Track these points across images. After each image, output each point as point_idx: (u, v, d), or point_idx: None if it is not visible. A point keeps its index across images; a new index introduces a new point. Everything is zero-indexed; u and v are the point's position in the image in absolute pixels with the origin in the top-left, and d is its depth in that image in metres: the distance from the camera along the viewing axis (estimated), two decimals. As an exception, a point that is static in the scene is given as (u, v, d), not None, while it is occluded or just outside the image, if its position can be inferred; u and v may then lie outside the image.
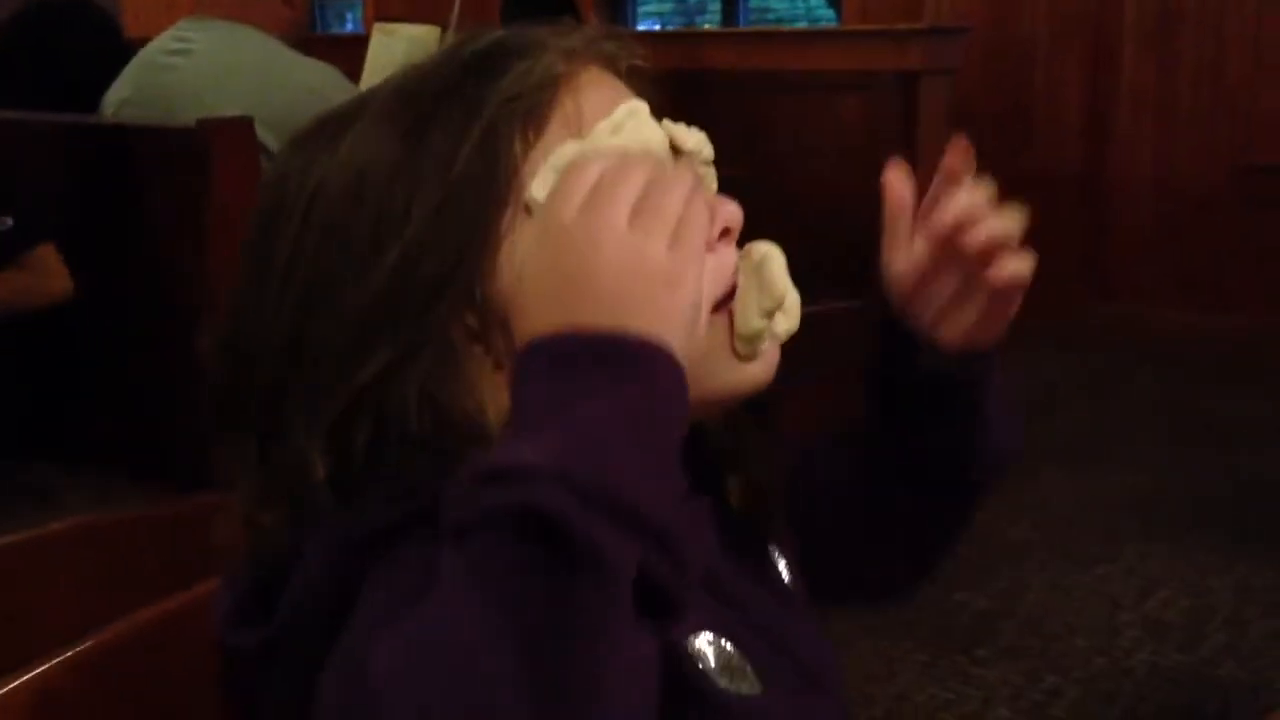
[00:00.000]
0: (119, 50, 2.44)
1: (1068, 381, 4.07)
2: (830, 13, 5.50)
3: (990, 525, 2.74)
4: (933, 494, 0.79)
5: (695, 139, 0.67)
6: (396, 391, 0.59)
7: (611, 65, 0.67)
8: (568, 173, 0.56)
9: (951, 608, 2.42)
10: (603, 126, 0.62)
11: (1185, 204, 4.30)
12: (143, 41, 2.28)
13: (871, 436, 0.79)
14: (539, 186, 0.60)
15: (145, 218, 1.82)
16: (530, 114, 0.62)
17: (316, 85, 2.06)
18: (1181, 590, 2.53)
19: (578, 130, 0.62)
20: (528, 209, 0.61)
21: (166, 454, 1.79)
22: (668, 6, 6.17)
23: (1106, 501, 2.99)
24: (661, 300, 0.53)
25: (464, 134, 0.61)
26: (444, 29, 3.15)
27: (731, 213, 0.65)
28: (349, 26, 7.09)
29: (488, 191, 0.60)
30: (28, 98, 2.30)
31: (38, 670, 0.71)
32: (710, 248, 0.62)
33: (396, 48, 3.23)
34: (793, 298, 0.68)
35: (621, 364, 0.51)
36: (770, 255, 0.67)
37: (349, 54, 2.81)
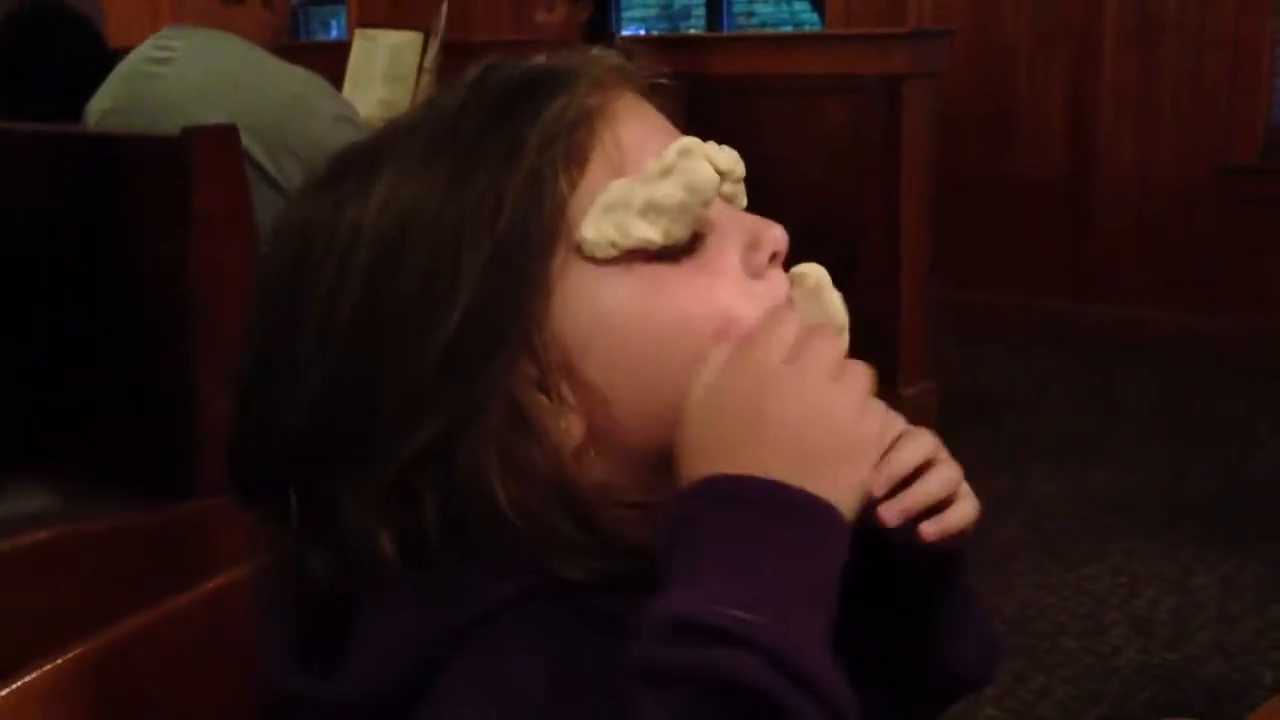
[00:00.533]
0: (102, 59, 2.43)
1: (1053, 382, 4.08)
2: (814, 17, 5.51)
3: (978, 526, 2.74)
4: (898, 695, 0.73)
5: (728, 158, 0.65)
6: (464, 452, 0.57)
7: (639, 88, 0.65)
8: (771, 316, 0.58)
9: (939, 609, 2.42)
10: (653, 168, 0.60)
11: (1168, 205, 4.33)
12: (126, 51, 2.27)
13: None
14: (590, 227, 0.59)
15: (128, 226, 1.81)
16: (571, 154, 0.59)
17: (300, 91, 2.06)
18: (1168, 588, 2.54)
19: (619, 164, 0.60)
20: (579, 250, 0.59)
21: (147, 461, 1.79)
22: (652, 12, 6.18)
23: (1093, 501, 3.00)
24: (846, 468, 0.54)
25: (507, 180, 0.58)
26: (427, 35, 3.16)
27: (777, 237, 0.63)
28: (333, 34, 7.09)
29: (539, 238, 0.58)
30: (9, 107, 2.29)
31: (27, 677, 0.71)
32: (758, 274, 0.62)
33: (379, 54, 3.24)
34: (842, 322, 0.65)
35: (810, 525, 0.52)
36: (824, 280, 0.65)
37: (332, 60, 2.83)
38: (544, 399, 0.58)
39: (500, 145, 0.59)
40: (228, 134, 1.72)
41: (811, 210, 3.51)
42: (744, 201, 0.66)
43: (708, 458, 0.54)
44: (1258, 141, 4.17)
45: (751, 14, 5.74)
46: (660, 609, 0.50)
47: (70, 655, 0.73)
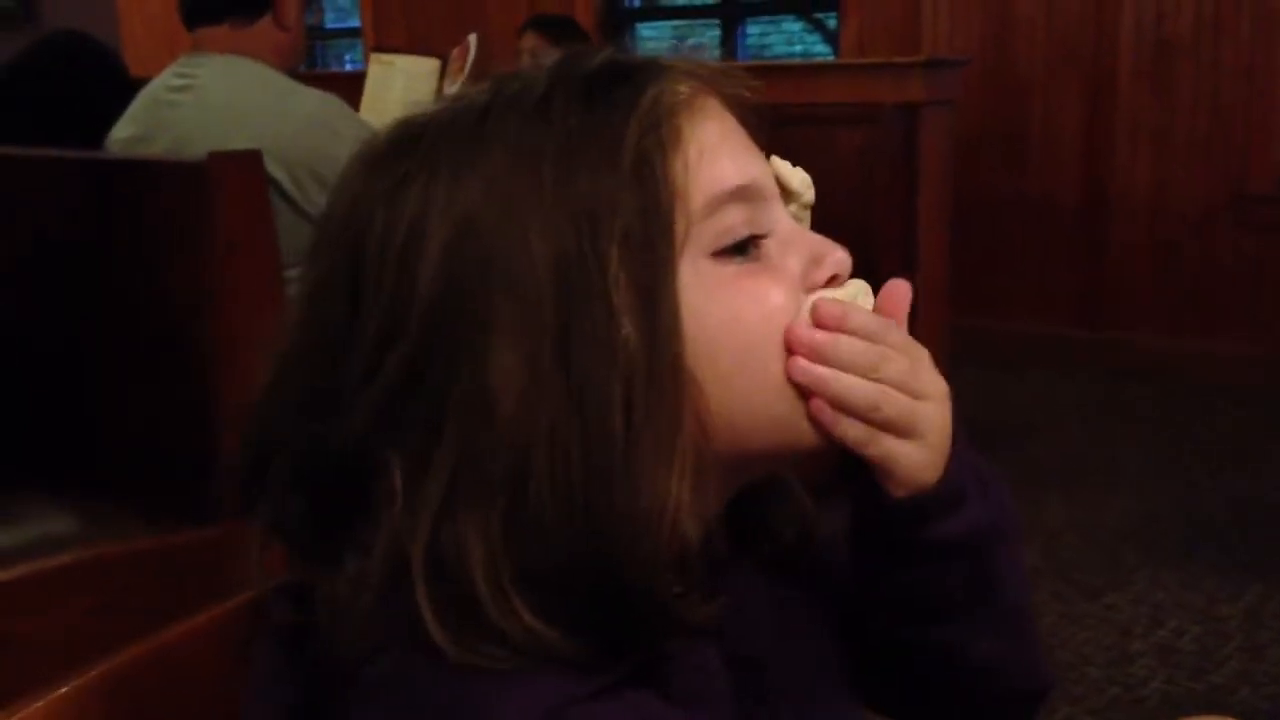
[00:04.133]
0: (123, 88, 2.45)
1: (1066, 406, 4.07)
2: (827, 49, 5.53)
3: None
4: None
5: (800, 179, 0.66)
6: (561, 485, 0.53)
7: (721, 93, 0.63)
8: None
9: (961, 637, 2.40)
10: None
11: (1183, 231, 4.32)
12: (146, 80, 2.29)
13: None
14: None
15: (151, 252, 1.81)
16: (671, 142, 0.58)
17: (320, 114, 2.07)
18: (1192, 617, 2.51)
19: (702, 158, 0.59)
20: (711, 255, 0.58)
21: (168, 485, 1.78)
22: (666, 44, 6.21)
23: (1109, 528, 2.98)
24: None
25: (615, 174, 0.56)
26: (444, 63, 3.17)
27: (841, 259, 0.63)
28: (347, 67, 7.14)
29: (660, 229, 0.56)
30: (32, 136, 2.30)
31: (45, 697, 0.70)
32: (813, 290, 0.62)
33: (394, 80, 3.25)
34: None
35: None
36: (861, 291, 0.64)
37: (348, 89, 2.83)
38: (642, 417, 0.55)
39: (601, 134, 0.57)
40: (251, 159, 1.72)
41: (833, 238, 3.50)
42: (808, 227, 0.66)
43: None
44: (1274, 169, 4.16)
45: (764, 47, 5.77)
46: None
47: (83, 678, 0.72)
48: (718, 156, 0.60)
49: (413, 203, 0.56)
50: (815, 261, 0.62)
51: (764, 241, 0.61)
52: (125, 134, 2.15)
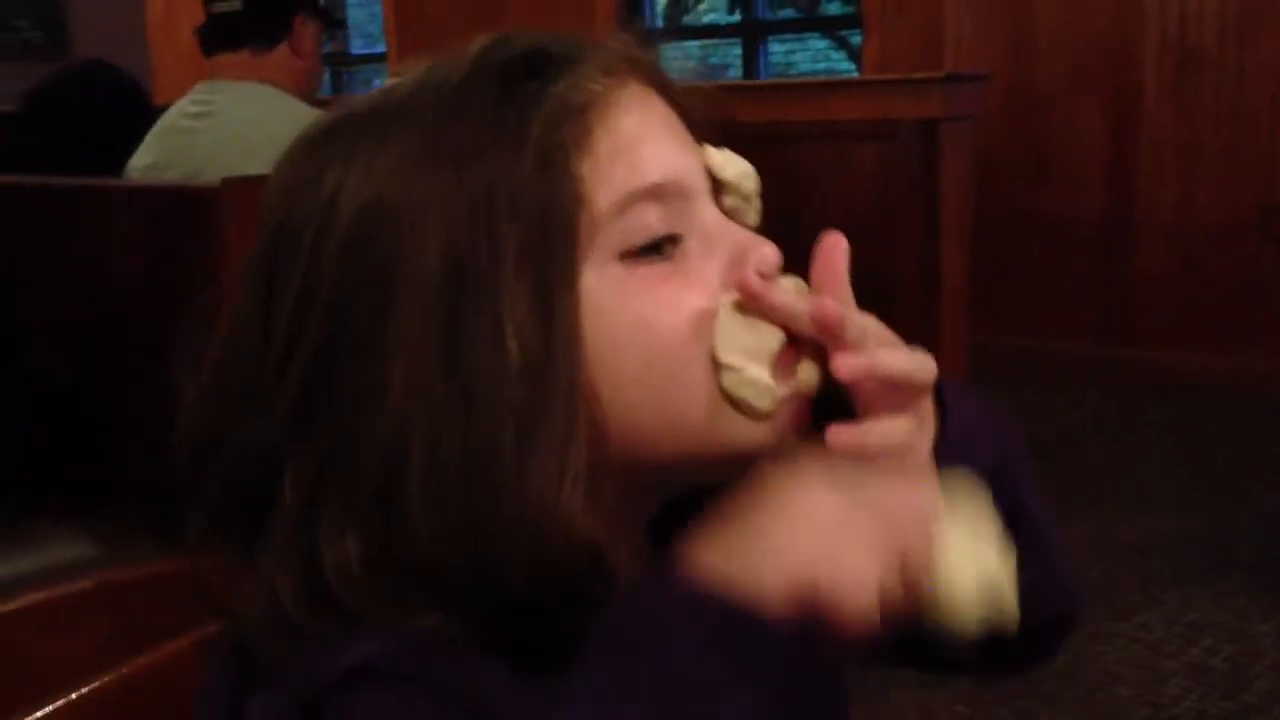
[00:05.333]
0: (146, 116, 2.47)
1: (1091, 424, 4.03)
2: (851, 66, 5.53)
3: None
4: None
5: (736, 169, 0.62)
6: (434, 491, 0.52)
7: (649, 80, 0.61)
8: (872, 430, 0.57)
9: (987, 658, 2.37)
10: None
11: (1208, 246, 4.27)
12: (170, 107, 2.31)
13: None
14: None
15: (168, 277, 1.82)
16: (577, 140, 0.55)
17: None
18: (1224, 636, 2.47)
19: (617, 153, 0.56)
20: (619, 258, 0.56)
21: (180, 513, 1.79)
22: (690, 63, 6.23)
23: (1137, 547, 2.94)
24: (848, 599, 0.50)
25: (517, 167, 0.54)
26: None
27: (764, 255, 0.59)
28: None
29: (559, 228, 0.54)
30: (54, 164, 2.33)
31: (44, 708, 0.70)
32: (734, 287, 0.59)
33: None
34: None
35: (739, 654, 0.48)
36: (802, 288, 0.61)
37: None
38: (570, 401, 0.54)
39: (507, 128, 0.55)
40: (264, 183, 1.73)
41: (851, 253, 3.48)
42: (753, 219, 0.63)
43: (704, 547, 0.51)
44: (1302, 182, 4.12)
45: (789, 65, 5.77)
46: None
47: (86, 690, 0.72)
48: (632, 153, 0.57)
49: (326, 191, 0.56)
50: (737, 260, 0.59)
51: (685, 241, 0.58)
52: (144, 161, 2.17)
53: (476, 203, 0.54)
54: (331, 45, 3.02)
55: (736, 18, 5.71)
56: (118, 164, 2.24)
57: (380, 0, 6.49)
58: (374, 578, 0.53)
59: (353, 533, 0.53)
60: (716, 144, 0.63)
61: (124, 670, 0.75)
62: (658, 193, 0.57)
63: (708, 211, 0.60)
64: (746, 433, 0.58)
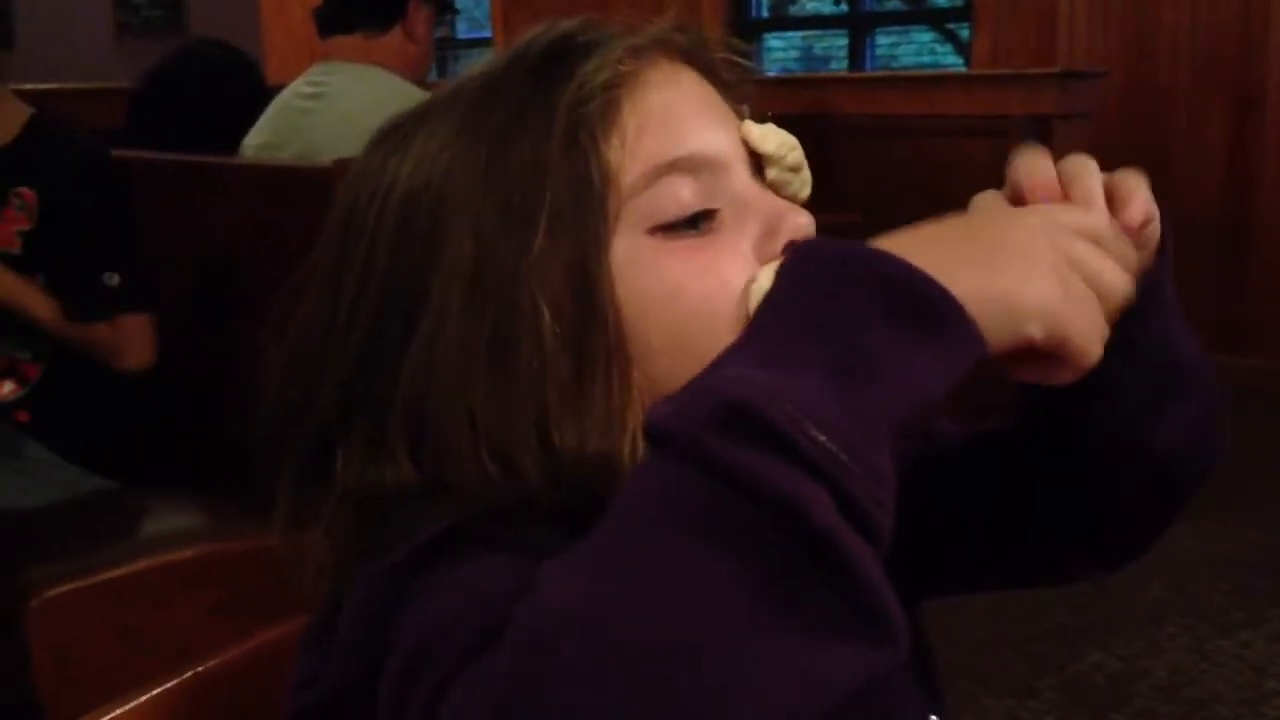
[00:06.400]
0: (261, 96, 2.52)
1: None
2: (958, 60, 5.44)
3: (1121, 584, 2.63)
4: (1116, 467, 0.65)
5: (775, 141, 0.62)
6: (505, 420, 0.55)
7: (686, 59, 0.63)
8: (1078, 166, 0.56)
9: (1084, 669, 2.32)
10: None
11: (1334, 254, 4.13)
12: (283, 88, 2.35)
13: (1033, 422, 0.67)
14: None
15: (282, 256, 1.86)
16: (604, 116, 0.58)
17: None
18: (1332, 658, 2.39)
19: (643, 129, 0.58)
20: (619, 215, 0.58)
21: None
22: (794, 55, 6.18)
23: (1239, 561, 2.85)
24: (1024, 281, 0.48)
25: (546, 145, 0.57)
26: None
27: (799, 224, 0.59)
28: (479, 76, 7.27)
29: (590, 201, 0.57)
30: (172, 142, 2.38)
31: (157, 689, 0.71)
32: (769, 258, 0.58)
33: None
34: None
35: (943, 336, 0.45)
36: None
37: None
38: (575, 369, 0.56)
39: (537, 107, 0.58)
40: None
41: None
42: (801, 191, 0.63)
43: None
44: None
45: (893, 58, 5.70)
46: (727, 377, 0.44)
47: (188, 675, 0.73)
48: (660, 128, 0.59)
49: (386, 175, 0.60)
50: (770, 230, 0.59)
51: (719, 214, 0.59)
52: (258, 141, 2.21)
53: (510, 179, 0.57)
54: (440, 30, 3.03)
55: (843, 9, 5.65)
56: (233, 142, 2.29)
57: (489, -15, 6.54)
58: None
59: (404, 464, 0.57)
60: (759, 119, 0.63)
61: (231, 651, 0.76)
62: (687, 165, 0.58)
63: (742, 183, 0.60)
64: None
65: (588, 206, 0.56)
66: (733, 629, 0.40)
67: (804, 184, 0.63)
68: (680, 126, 0.59)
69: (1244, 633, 2.50)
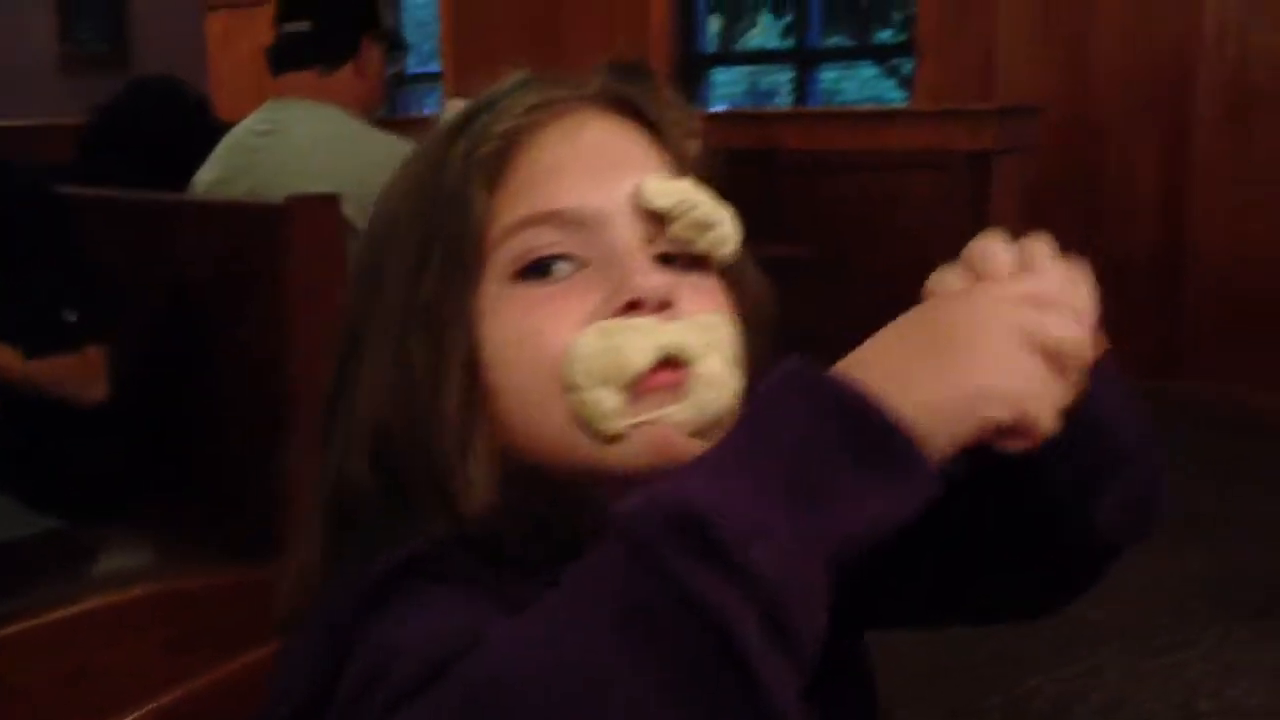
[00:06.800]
0: (211, 132, 2.53)
1: (1143, 462, 3.98)
2: (901, 95, 5.54)
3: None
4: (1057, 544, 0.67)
5: (674, 199, 0.62)
6: (402, 434, 0.61)
7: (624, 111, 0.66)
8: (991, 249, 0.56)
9: (1024, 693, 2.37)
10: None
11: (1262, 280, 4.24)
12: (233, 123, 2.37)
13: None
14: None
15: (231, 292, 1.87)
16: (489, 171, 0.62)
17: (395, 158, 2.12)
18: (1262, 677, 2.45)
19: (531, 184, 0.62)
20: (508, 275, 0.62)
21: (242, 519, 1.83)
22: (739, 90, 6.26)
23: (1180, 584, 2.92)
24: (979, 379, 0.50)
25: (438, 194, 0.63)
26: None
27: (638, 286, 0.60)
28: (426, 111, 7.28)
29: (468, 251, 0.61)
30: (124, 178, 2.38)
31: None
32: (609, 315, 0.60)
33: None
34: (711, 370, 0.60)
35: (894, 468, 0.47)
36: (711, 376, 0.60)
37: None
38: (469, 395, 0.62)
39: (443, 156, 0.64)
40: (327, 202, 1.78)
41: (893, 287, 3.50)
42: (718, 249, 0.64)
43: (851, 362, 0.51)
44: (1357, 221, 4.08)
45: (837, 92, 5.79)
46: (689, 485, 0.46)
47: (157, 705, 0.75)
48: (541, 182, 0.62)
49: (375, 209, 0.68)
50: (616, 289, 0.61)
51: (587, 268, 0.62)
52: (209, 177, 2.22)
53: (415, 223, 0.63)
54: (392, 67, 3.05)
55: (789, 44, 5.74)
56: (184, 178, 2.30)
57: (437, 20, 6.58)
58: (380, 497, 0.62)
59: (362, 466, 0.62)
60: (701, 172, 0.66)
61: (193, 684, 0.77)
62: (554, 219, 0.62)
63: (618, 239, 0.62)
64: (598, 453, 0.60)
65: (462, 251, 0.61)
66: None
67: (719, 241, 0.63)
68: (560, 181, 0.62)
69: (1179, 654, 2.56)
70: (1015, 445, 0.52)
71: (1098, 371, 0.58)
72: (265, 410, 1.78)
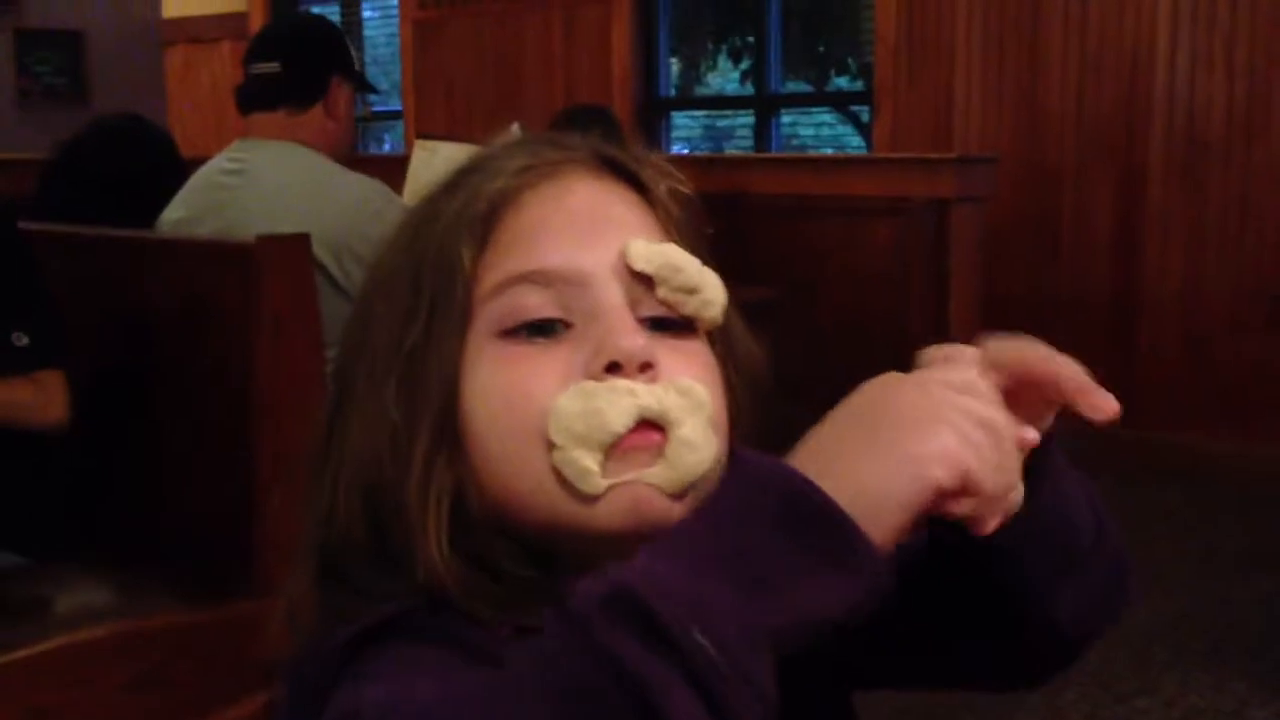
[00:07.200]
0: (176, 170, 2.52)
1: (1099, 507, 4.02)
2: (859, 140, 5.61)
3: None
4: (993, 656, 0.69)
5: (659, 262, 0.64)
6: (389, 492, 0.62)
7: (614, 172, 0.67)
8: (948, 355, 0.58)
9: (988, 736, 2.38)
10: None
11: (1214, 328, 4.32)
12: (195, 159, 2.35)
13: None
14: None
15: (199, 331, 1.85)
16: (474, 232, 0.63)
17: (365, 198, 2.13)
18: (1223, 721, 2.48)
19: (513, 245, 0.63)
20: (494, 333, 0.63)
21: (207, 559, 1.81)
22: (697, 132, 6.31)
23: (1139, 630, 2.94)
24: (920, 467, 0.51)
25: (427, 254, 0.64)
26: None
27: (618, 347, 0.61)
28: (386, 147, 7.28)
29: (455, 309, 0.62)
30: (88, 215, 2.36)
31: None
32: (595, 378, 0.61)
33: (438, 165, 3.33)
34: (691, 433, 0.61)
35: (835, 557, 0.48)
36: (690, 438, 0.61)
37: (390, 172, 2.91)
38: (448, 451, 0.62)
39: (434, 214, 0.65)
40: (298, 242, 1.77)
41: (857, 331, 3.54)
42: (703, 312, 0.65)
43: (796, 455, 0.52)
44: (1305, 269, 4.17)
45: (793, 136, 5.85)
46: (636, 567, 0.47)
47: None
48: (527, 241, 0.63)
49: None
50: (598, 349, 0.61)
51: (573, 327, 0.62)
52: (176, 215, 2.21)
53: (406, 277, 0.64)
54: (361, 108, 3.08)
55: (749, 89, 5.80)
56: (146, 215, 2.28)
57: (398, 59, 6.59)
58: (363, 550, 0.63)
59: (351, 517, 0.63)
60: (693, 239, 0.67)
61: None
62: (539, 278, 0.62)
63: (604, 299, 0.63)
64: (575, 512, 0.60)
65: (449, 306, 0.62)
66: None
67: (705, 305, 0.65)
68: (547, 241, 0.63)
69: (1140, 700, 2.58)
70: (965, 510, 0.53)
71: (1051, 468, 0.62)
72: (229, 449, 1.77)
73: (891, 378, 0.56)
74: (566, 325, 0.62)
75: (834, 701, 0.73)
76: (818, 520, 0.49)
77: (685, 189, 0.69)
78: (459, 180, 0.66)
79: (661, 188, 0.68)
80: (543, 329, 0.62)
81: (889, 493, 0.50)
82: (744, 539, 0.48)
